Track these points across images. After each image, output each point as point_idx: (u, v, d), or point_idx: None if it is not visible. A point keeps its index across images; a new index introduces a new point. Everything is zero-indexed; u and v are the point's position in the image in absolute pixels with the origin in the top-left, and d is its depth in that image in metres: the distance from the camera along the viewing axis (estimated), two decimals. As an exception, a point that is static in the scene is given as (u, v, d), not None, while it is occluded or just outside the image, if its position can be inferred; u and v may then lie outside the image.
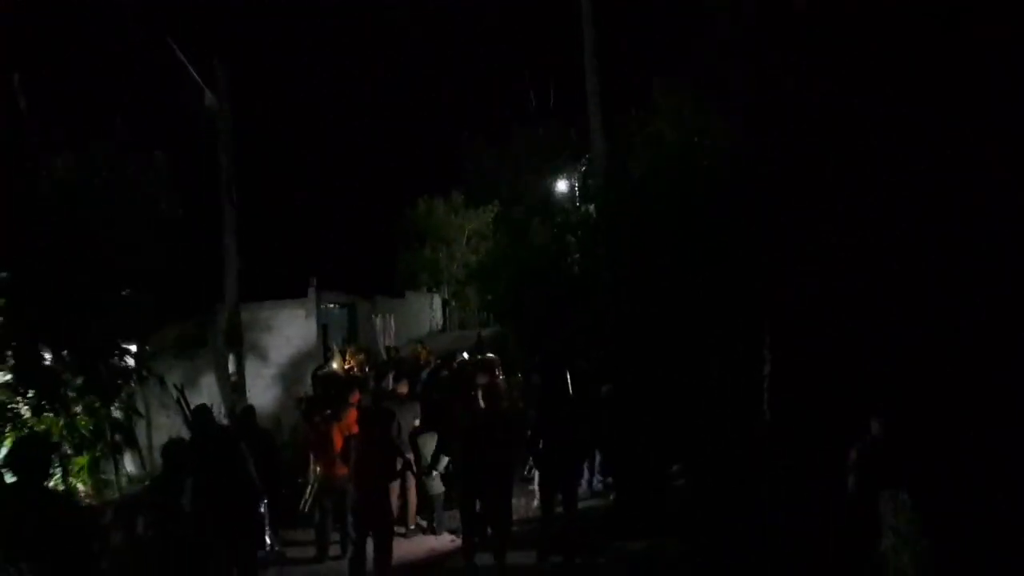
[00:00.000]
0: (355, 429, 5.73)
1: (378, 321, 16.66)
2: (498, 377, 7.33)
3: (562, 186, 19.75)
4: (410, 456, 6.47)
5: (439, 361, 10.35)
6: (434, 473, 6.46)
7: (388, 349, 13.04)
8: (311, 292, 13.60)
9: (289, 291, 13.82)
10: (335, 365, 9.20)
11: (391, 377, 7.65)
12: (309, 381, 11.05)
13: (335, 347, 10.89)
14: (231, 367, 11.29)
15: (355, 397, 6.35)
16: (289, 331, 13.43)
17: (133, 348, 9.22)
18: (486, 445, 5.35)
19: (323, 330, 14.02)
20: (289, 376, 13.28)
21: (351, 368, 11.03)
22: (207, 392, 12.19)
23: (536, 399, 6.59)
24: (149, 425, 12.03)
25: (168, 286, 11.90)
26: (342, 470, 5.89)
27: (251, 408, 6.93)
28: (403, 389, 7.04)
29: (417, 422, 6.80)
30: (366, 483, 5.36)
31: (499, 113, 22.66)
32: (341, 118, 25.90)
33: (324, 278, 14.53)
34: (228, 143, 10.40)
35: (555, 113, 21.29)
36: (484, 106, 23.87)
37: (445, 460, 6.35)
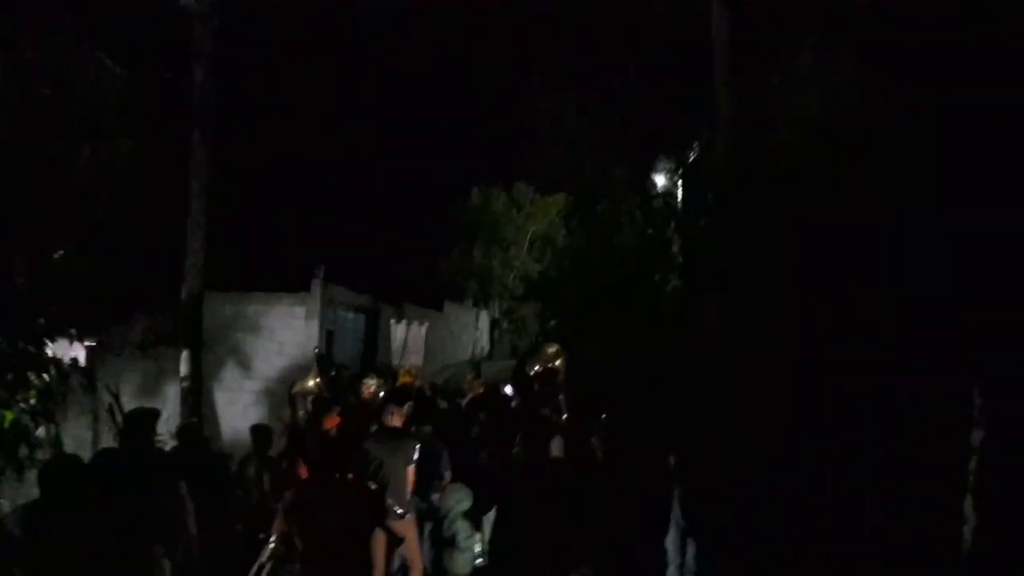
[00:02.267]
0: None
1: (399, 331, 15.94)
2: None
3: (661, 180, 18.76)
4: (405, 519, 5.74)
5: (478, 394, 9.85)
6: (467, 544, 6.14)
7: (386, 369, 12.47)
8: (315, 285, 13.02)
9: (287, 282, 13.29)
10: (310, 383, 8.69)
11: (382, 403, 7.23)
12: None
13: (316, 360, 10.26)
14: (183, 369, 10.71)
15: (330, 421, 5.52)
16: (283, 334, 12.96)
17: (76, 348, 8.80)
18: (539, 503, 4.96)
19: (328, 337, 13.47)
20: (279, 394, 12.69)
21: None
22: (172, 404, 11.79)
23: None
24: (96, 438, 11.70)
25: (132, 261, 11.56)
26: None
27: (193, 426, 6.22)
28: (397, 420, 6.42)
29: (411, 469, 6.25)
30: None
31: (582, 79, 21.54)
32: (382, 77, 25.45)
33: (337, 271, 14.06)
34: (204, 55, 9.83)
35: (657, 83, 20.30)
36: (563, 67, 22.87)
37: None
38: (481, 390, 10.40)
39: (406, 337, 17.50)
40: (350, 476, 4.83)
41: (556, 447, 6.49)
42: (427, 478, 6.57)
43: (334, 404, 6.71)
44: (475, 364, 15.50)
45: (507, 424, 7.31)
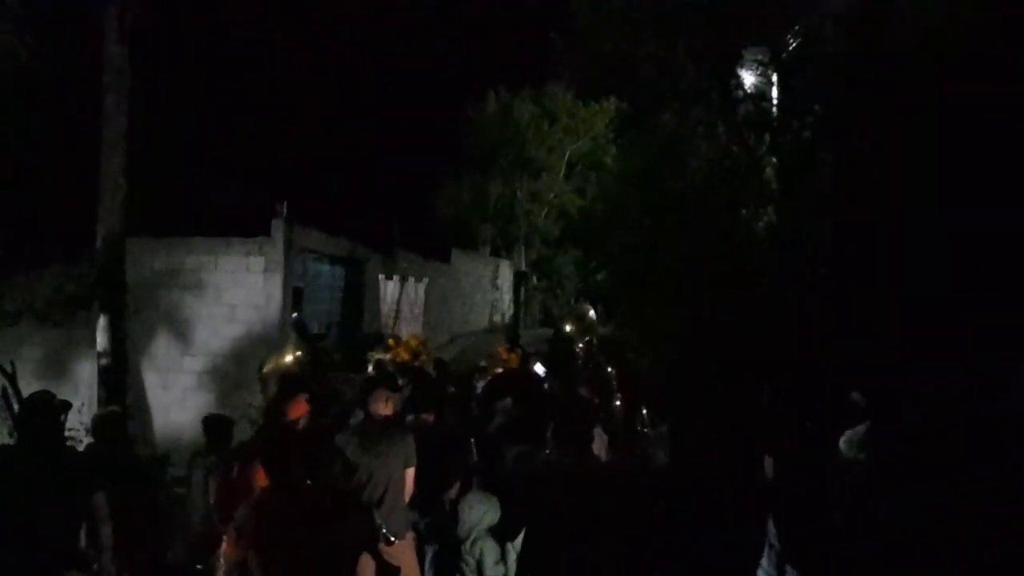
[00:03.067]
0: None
1: (390, 289, 15.99)
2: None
3: (749, 78, 18.53)
4: (401, 543, 5.85)
5: (497, 374, 10.17)
6: (494, 572, 6.11)
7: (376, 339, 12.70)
8: (277, 228, 13.07)
9: (240, 224, 13.37)
10: (288, 358, 8.80)
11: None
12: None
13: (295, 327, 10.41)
14: (100, 342, 10.93)
15: (297, 410, 5.52)
16: (235, 294, 13.04)
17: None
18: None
19: (295, 297, 13.59)
20: (232, 374, 12.95)
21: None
22: (87, 387, 12.01)
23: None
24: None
25: (33, 198, 11.61)
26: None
27: (114, 417, 6.25)
28: (385, 407, 6.46)
29: (411, 474, 6.35)
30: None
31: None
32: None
33: (308, 209, 14.14)
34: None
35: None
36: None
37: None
38: (504, 369, 10.49)
39: (399, 297, 17.52)
40: (325, 484, 4.82)
41: (600, 444, 6.47)
42: (429, 487, 6.58)
43: (302, 386, 6.71)
44: (509, 331, 15.50)
45: (539, 414, 7.28)
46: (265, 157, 17.67)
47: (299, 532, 4.64)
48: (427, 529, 6.63)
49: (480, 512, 6.07)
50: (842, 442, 6.58)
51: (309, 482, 4.78)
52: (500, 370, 10.56)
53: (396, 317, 17.22)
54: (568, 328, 11.82)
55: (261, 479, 5.18)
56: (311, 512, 4.73)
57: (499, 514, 6.08)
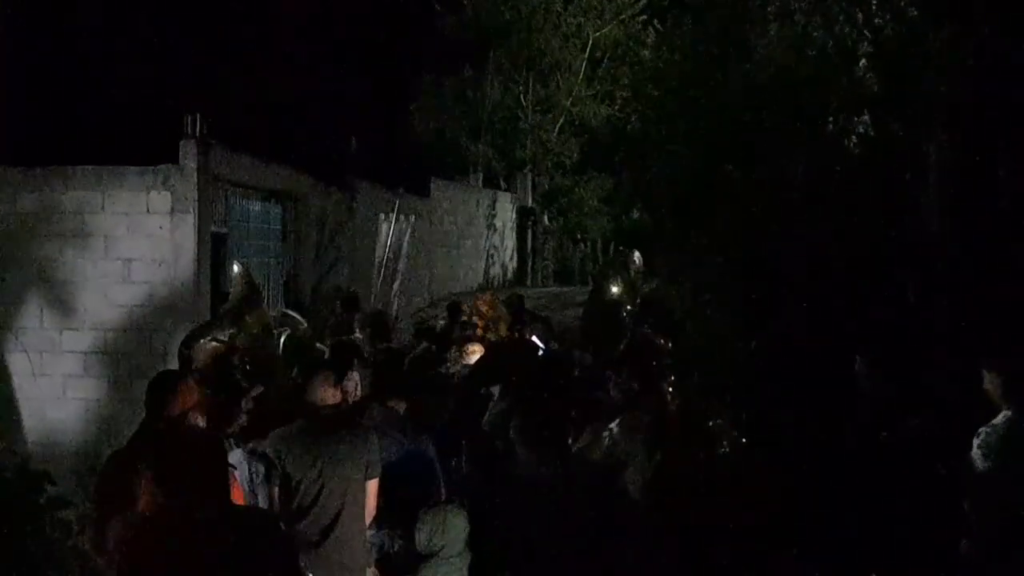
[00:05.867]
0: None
1: (385, 230, 16.12)
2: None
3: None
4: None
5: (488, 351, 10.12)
6: None
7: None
8: (187, 152, 13.06)
9: (135, 148, 13.31)
10: (221, 337, 8.81)
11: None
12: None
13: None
14: None
15: (185, 399, 5.55)
16: (130, 243, 13.05)
17: None
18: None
19: (214, 246, 13.65)
20: (132, 355, 12.97)
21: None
22: None
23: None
24: None
25: None
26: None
27: None
28: (329, 393, 6.59)
29: (373, 487, 6.48)
30: None
31: None
32: None
33: (231, 127, 14.28)
34: None
35: None
36: None
37: None
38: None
39: (388, 241, 17.72)
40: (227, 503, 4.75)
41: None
42: (402, 499, 6.56)
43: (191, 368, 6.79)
44: (513, 299, 15.25)
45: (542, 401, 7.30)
46: (172, 55, 17.66)
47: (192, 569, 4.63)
48: (397, 554, 6.66)
49: (450, 530, 6.04)
50: (976, 445, 6.56)
51: (210, 504, 4.70)
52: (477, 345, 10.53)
53: (382, 267, 17.38)
54: (615, 289, 11.67)
55: (144, 501, 5.12)
56: (216, 548, 4.69)
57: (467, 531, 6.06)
